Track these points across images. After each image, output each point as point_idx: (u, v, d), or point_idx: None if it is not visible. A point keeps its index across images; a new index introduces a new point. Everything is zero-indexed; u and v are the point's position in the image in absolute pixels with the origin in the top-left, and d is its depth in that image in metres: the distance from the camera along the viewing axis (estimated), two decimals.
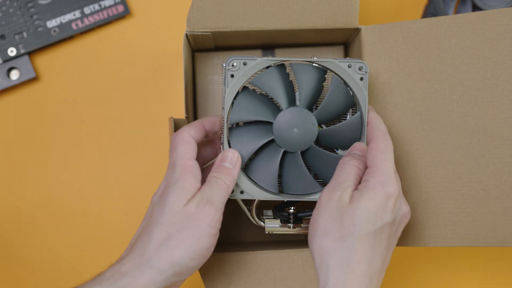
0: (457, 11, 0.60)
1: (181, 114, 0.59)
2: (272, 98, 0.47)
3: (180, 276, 0.41)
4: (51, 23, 0.60)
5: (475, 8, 0.60)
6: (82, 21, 0.60)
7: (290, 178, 0.47)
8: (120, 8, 0.60)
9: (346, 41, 0.57)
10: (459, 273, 0.60)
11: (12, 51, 0.59)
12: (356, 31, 0.52)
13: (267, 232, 0.49)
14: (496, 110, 0.47)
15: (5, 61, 0.59)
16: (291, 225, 0.48)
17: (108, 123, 0.61)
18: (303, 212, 0.49)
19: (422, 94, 0.49)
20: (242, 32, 0.51)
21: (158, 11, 0.61)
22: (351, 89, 0.47)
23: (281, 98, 0.46)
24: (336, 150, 0.48)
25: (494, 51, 0.47)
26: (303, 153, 0.47)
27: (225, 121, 0.46)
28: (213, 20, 0.50)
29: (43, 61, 0.61)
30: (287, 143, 0.46)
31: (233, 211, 0.59)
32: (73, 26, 0.60)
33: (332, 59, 0.47)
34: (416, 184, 0.49)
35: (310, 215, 0.47)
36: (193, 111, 0.57)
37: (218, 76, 0.58)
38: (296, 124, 0.46)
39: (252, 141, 0.46)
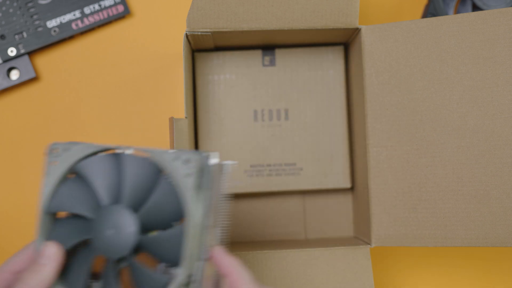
0: (457, 11, 0.60)
1: (181, 114, 0.59)
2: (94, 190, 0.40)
3: None
4: (51, 23, 0.60)
5: (475, 8, 0.60)
6: (82, 21, 0.60)
7: (142, 284, 0.38)
8: (120, 8, 0.60)
9: (346, 41, 0.57)
10: (459, 273, 0.60)
11: (12, 51, 0.59)
12: (356, 31, 0.52)
13: None
14: (496, 110, 0.47)
15: (5, 61, 0.59)
16: None
17: (108, 123, 0.61)
18: None
19: (422, 94, 0.49)
20: (242, 32, 0.51)
21: (158, 11, 0.61)
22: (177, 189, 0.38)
23: (102, 192, 0.39)
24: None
25: (494, 51, 0.47)
26: (125, 261, 0.39)
27: (39, 213, 0.39)
28: (213, 20, 0.50)
29: (43, 61, 0.61)
30: (101, 245, 0.38)
31: (232, 212, 0.59)
32: (73, 26, 0.60)
33: (158, 150, 0.38)
34: (416, 184, 0.49)
35: None
36: (193, 111, 0.57)
37: (218, 76, 0.58)
38: (113, 225, 0.38)
39: (68, 238, 0.39)
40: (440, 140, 0.49)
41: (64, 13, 0.60)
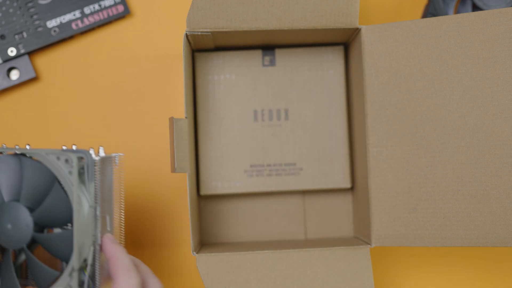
0: (457, 11, 0.60)
1: (181, 114, 0.59)
2: None
3: None
4: (51, 23, 0.60)
5: (475, 8, 0.60)
6: (82, 21, 0.60)
7: (34, 274, 0.44)
8: (120, 8, 0.60)
9: (346, 41, 0.57)
10: (459, 273, 0.60)
11: (12, 51, 0.59)
12: (356, 31, 0.52)
13: None
14: (496, 110, 0.47)
15: (5, 61, 0.59)
16: None
17: (107, 123, 0.61)
18: None
19: (422, 94, 0.49)
20: (242, 32, 0.51)
21: (158, 11, 0.61)
22: (62, 185, 0.43)
23: (4, 189, 0.44)
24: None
25: (494, 51, 0.47)
26: (34, 243, 0.44)
27: None
28: (213, 20, 0.50)
29: (43, 61, 0.61)
30: (0, 237, 0.43)
31: (232, 211, 0.59)
32: (73, 26, 0.60)
33: (43, 150, 0.43)
34: (416, 184, 0.49)
35: None
36: (193, 111, 0.57)
37: (218, 76, 0.58)
38: (11, 220, 0.43)
39: None
40: (440, 140, 0.49)
41: (64, 13, 0.60)
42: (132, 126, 0.61)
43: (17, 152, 0.44)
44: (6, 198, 0.44)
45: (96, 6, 0.60)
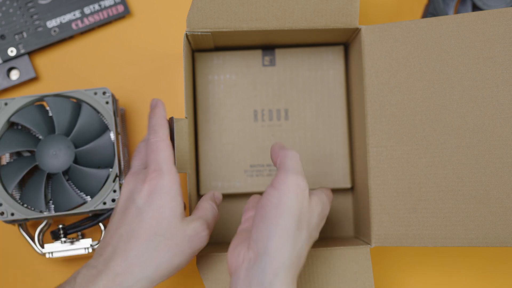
0: (457, 11, 0.60)
1: (181, 114, 0.59)
2: (34, 132, 0.54)
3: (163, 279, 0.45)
4: (51, 23, 0.60)
5: (475, 8, 0.60)
6: (82, 21, 0.60)
7: (57, 197, 0.53)
8: (120, 8, 0.60)
9: (346, 41, 0.57)
10: (459, 273, 0.60)
11: (12, 51, 0.59)
12: (356, 31, 0.52)
13: (48, 256, 0.54)
14: (496, 110, 0.47)
15: (5, 61, 0.59)
16: (63, 239, 0.54)
17: None
18: (71, 225, 0.54)
19: (422, 94, 0.49)
20: (242, 32, 0.51)
21: (158, 11, 0.61)
22: (100, 113, 0.54)
23: (40, 129, 0.53)
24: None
25: (494, 51, 0.47)
26: (67, 173, 0.54)
27: None
28: (213, 20, 0.50)
29: (43, 61, 0.61)
30: (48, 165, 0.53)
31: (232, 211, 0.59)
32: (73, 26, 0.60)
33: (80, 90, 0.54)
34: (416, 184, 0.49)
35: (79, 228, 0.54)
36: (193, 111, 0.57)
37: (218, 76, 0.58)
38: (54, 148, 0.53)
39: (19, 170, 0.52)
40: (440, 140, 0.49)
41: (64, 13, 0.60)
42: (132, 126, 0.61)
43: (51, 94, 0.54)
44: (44, 135, 0.53)
45: (96, 6, 0.60)
